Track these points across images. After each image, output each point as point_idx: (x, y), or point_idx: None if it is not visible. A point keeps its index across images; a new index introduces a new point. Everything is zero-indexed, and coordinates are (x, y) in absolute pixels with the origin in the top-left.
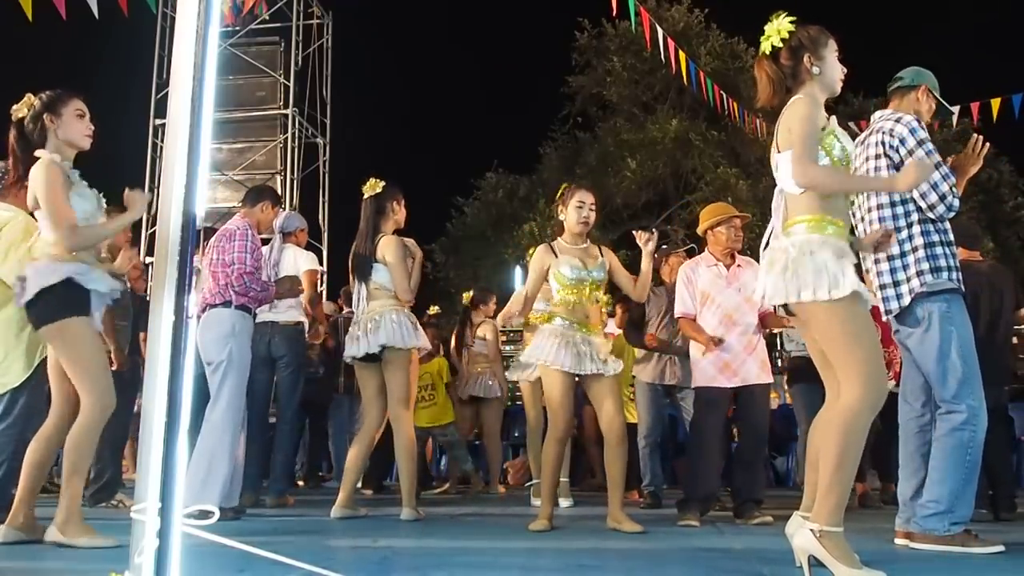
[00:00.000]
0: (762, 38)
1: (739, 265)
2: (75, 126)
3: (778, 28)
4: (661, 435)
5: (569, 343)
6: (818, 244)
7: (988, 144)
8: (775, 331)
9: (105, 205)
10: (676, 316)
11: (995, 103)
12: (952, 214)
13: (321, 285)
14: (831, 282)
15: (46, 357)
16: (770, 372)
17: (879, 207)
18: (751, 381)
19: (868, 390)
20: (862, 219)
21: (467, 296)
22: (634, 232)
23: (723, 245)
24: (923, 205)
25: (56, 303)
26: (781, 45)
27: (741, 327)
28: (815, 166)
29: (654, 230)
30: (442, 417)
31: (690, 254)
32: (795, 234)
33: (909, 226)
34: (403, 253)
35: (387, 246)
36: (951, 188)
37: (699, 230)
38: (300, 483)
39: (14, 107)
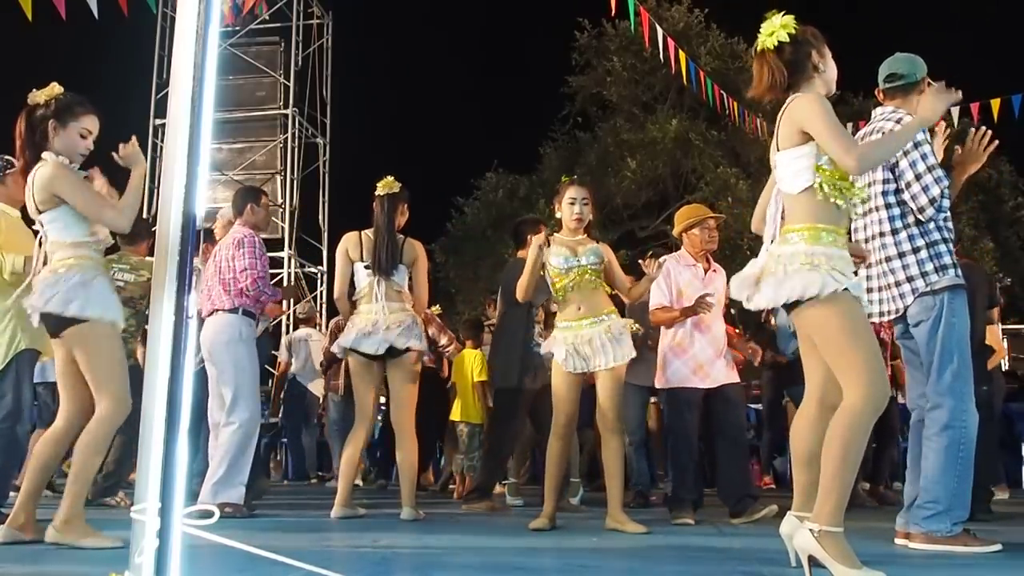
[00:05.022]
0: (763, 32)
1: (714, 270)
2: (73, 144)
3: (783, 23)
4: (646, 434)
5: (571, 348)
6: (812, 253)
7: (994, 139)
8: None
9: None
10: (651, 308)
11: (995, 103)
12: (942, 215)
13: (321, 285)
14: (823, 281)
15: (23, 351)
16: (736, 372)
17: (876, 209)
18: (722, 382)
19: (871, 392)
20: (859, 216)
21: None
22: (643, 261)
23: (698, 247)
24: (913, 207)
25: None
26: (787, 40)
27: (712, 332)
28: (859, 149)
29: (664, 259)
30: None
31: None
32: (791, 243)
33: (906, 227)
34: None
35: (417, 251)
36: (943, 191)
37: (674, 232)
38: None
39: (33, 92)
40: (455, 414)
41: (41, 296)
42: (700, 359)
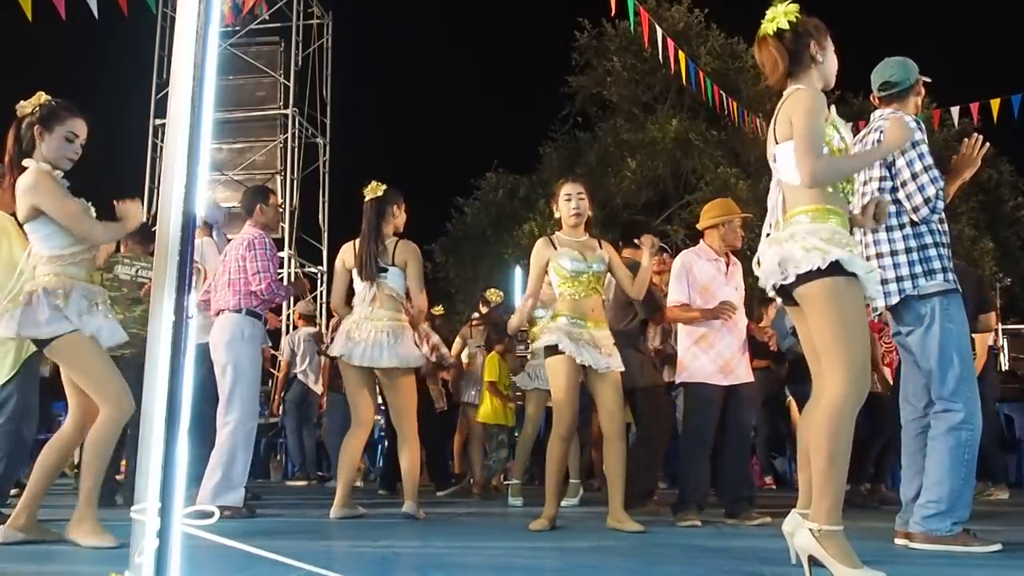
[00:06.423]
0: (765, 20)
1: (732, 264)
2: (60, 147)
3: (786, 11)
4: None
5: (572, 337)
6: (820, 230)
7: (988, 144)
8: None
9: (93, 212)
10: (669, 304)
11: (995, 103)
12: (936, 216)
13: (321, 285)
14: (825, 253)
15: (32, 354)
16: (752, 371)
17: None
18: (743, 380)
19: (852, 385)
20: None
21: (495, 294)
22: (640, 239)
23: (723, 243)
24: (908, 206)
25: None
26: (788, 28)
27: (738, 328)
28: (818, 162)
29: (664, 247)
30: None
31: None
32: (797, 223)
33: (901, 227)
34: (422, 262)
35: (409, 253)
36: (938, 192)
37: (700, 225)
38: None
39: (20, 103)
40: (482, 416)
41: (11, 325)
42: (726, 356)
